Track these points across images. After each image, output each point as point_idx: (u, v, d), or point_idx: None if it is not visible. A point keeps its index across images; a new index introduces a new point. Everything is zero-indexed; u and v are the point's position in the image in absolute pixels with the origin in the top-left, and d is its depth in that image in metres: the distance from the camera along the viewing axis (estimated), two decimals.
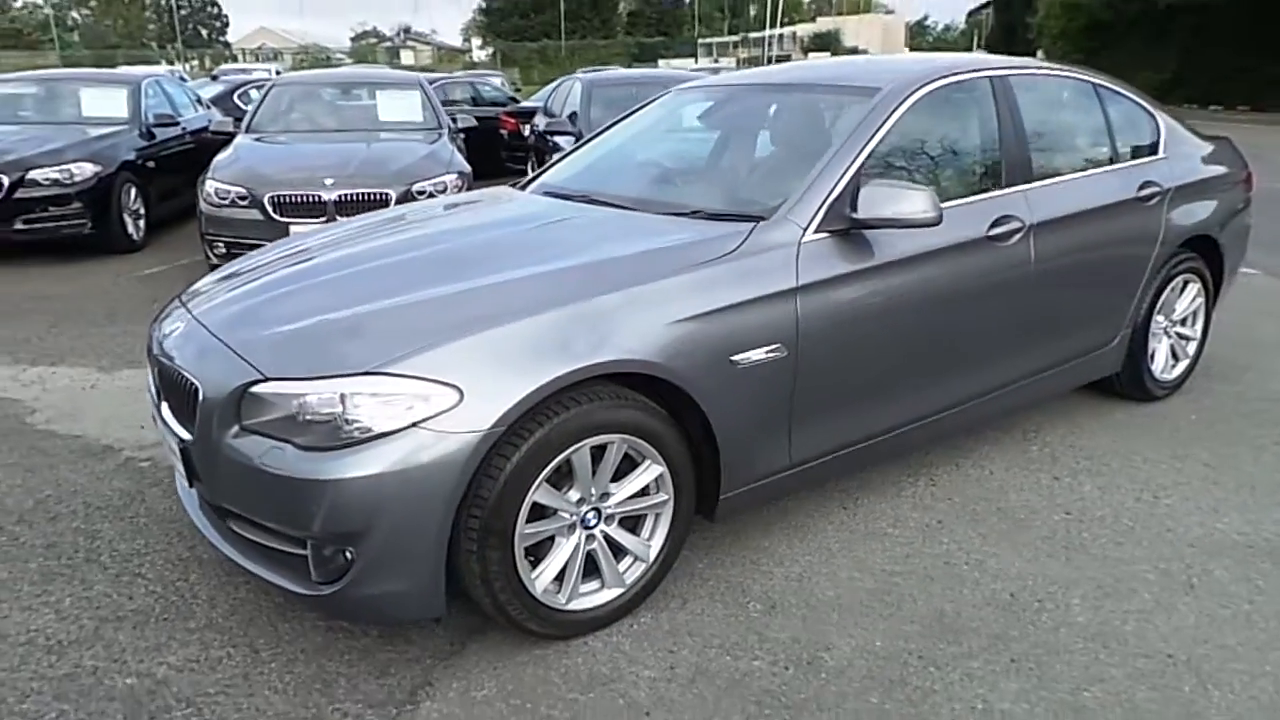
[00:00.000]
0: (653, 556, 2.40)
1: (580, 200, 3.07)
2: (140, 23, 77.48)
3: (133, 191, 7.28)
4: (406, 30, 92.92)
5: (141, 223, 7.43)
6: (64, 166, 6.63)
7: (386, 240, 2.81)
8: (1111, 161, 3.53)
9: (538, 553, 2.24)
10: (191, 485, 2.29)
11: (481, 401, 1.99)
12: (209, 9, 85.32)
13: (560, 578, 2.26)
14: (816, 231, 2.58)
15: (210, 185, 5.71)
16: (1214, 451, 3.41)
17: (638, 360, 2.18)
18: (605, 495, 2.29)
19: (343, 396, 1.96)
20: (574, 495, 2.23)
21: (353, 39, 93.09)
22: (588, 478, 2.21)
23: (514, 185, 3.59)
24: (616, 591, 2.36)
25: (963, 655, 2.25)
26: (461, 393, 1.98)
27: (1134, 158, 3.65)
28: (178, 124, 8.19)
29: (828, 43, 35.82)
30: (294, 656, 2.25)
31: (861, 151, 2.73)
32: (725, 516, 2.59)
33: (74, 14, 76.66)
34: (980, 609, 2.44)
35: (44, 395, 4.06)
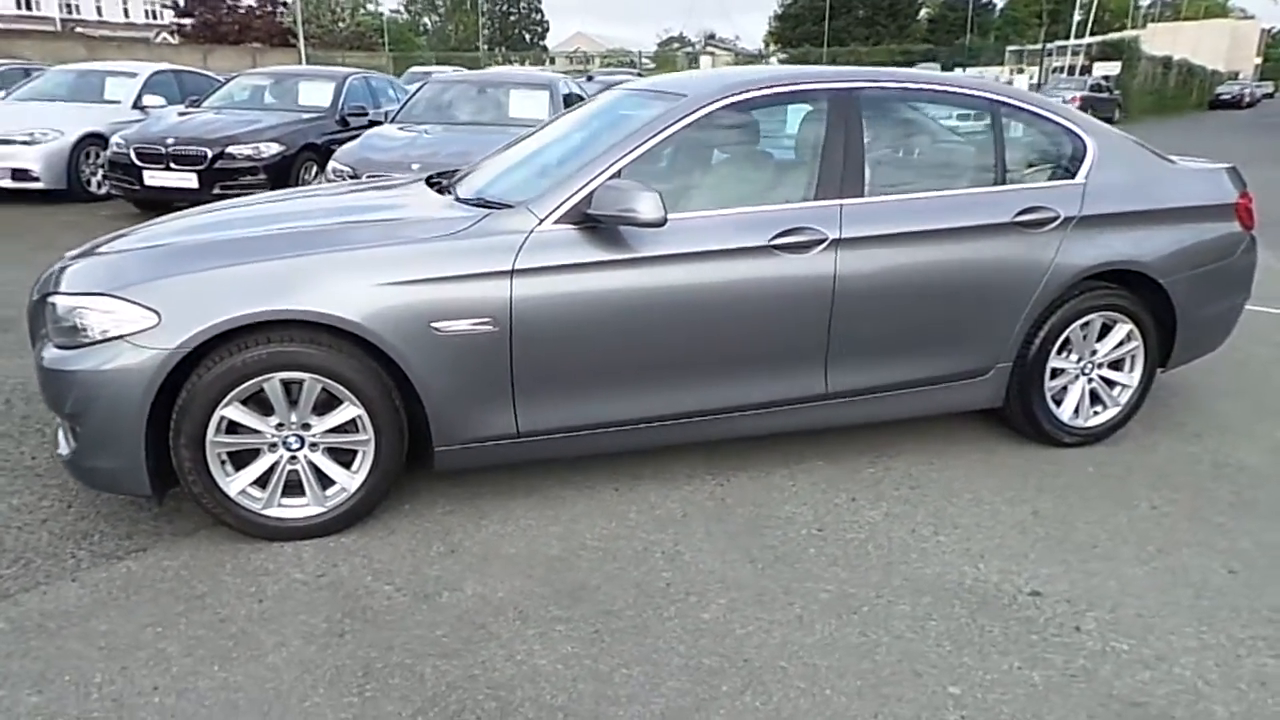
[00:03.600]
0: (355, 487, 2.80)
1: (433, 189, 3.47)
2: (476, 29, 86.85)
3: (314, 168, 8.66)
4: (711, 36, 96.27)
5: None
6: (255, 144, 8.10)
7: (257, 206, 3.42)
8: (996, 183, 3.32)
9: (247, 461, 2.73)
10: None
11: (173, 326, 2.52)
12: (534, 15, 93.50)
13: (266, 487, 2.74)
14: (557, 223, 2.83)
15: (330, 165, 6.78)
16: (1065, 503, 3.13)
17: (321, 312, 2.59)
18: (307, 425, 2.73)
19: (82, 309, 2.58)
20: (274, 420, 2.69)
21: (659, 44, 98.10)
22: (283, 407, 2.67)
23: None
24: (317, 510, 2.79)
25: (558, 619, 2.43)
26: (160, 317, 2.53)
27: (1041, 180, 3.40)
28: (367, 114, 9.54)
29: (1121, 51, 32.18)
30: (88, 515, 2.92)
31: (628, 154, 2.93)
32: (448, 469, 2.92)
33: (425, 20, 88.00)
34: (625, 589, 2.58)
35: None
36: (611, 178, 2.87)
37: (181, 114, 8.93)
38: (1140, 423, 3.81)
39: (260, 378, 2.61)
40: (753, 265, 2.97)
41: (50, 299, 2.69)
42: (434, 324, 2.70)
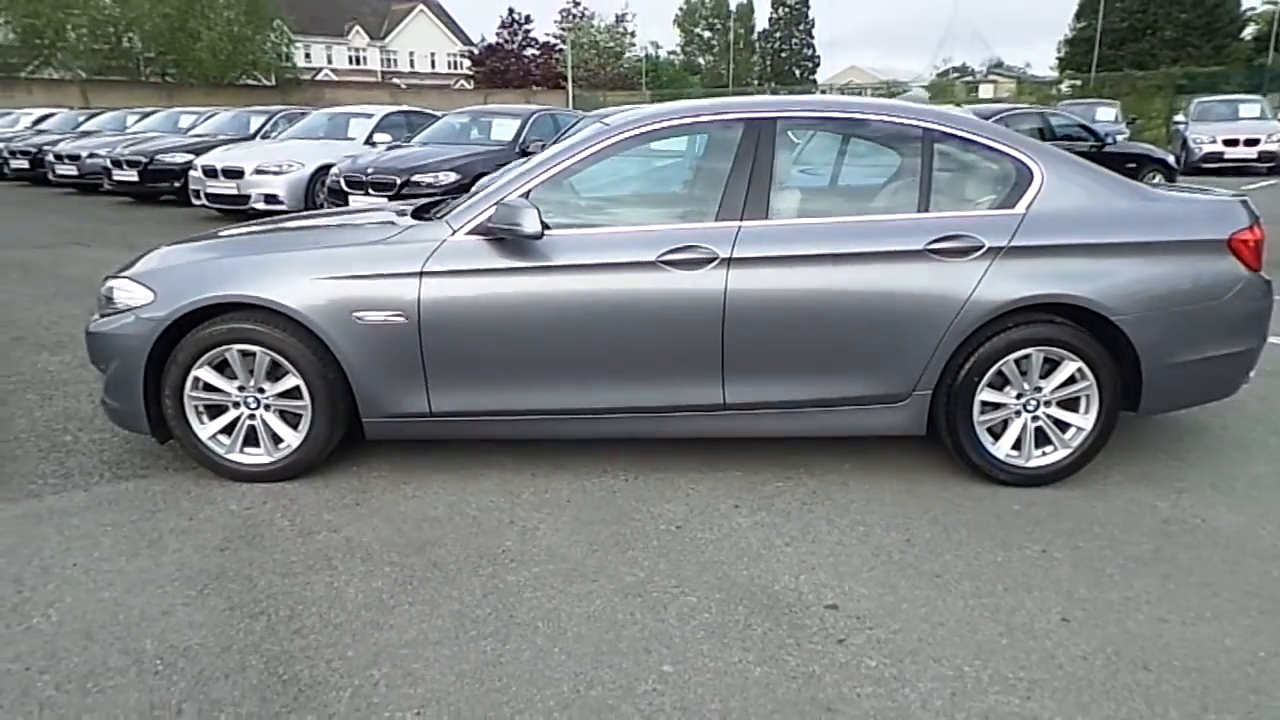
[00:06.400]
0: (295, 444, 3.41)
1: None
2: (749, 65, 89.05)
3: None
4: (998, 65, 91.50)
5: None
6: (435, 174, 9.31)
7: (293, 219, 4.19)
8: (920, 210, 3.31)
9: (219, 414, 3.44)
10: None
11: (164, 303, 3.29)
12: (805, 51, 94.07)
13: (233, 435, 3.43)
14: (469, 234, 3.30)
15: (474, 189, 7.69)
16: (947, 536, 3.06)
17: (264, 298, 3.24)
18: (261, 390, 3.39)
19: (115, 287, 3.43)
20: (237, 383, 3.38)
21: (938, 74, 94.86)
22: (243, 372, 3.35)
23: None
24: (268, 459, 3.43)
25: (390, 563, 2.87)
26: (156, 295, 3.31)
27: (973, 209, 3.34)
28: (543, 145, 10.54)
29: None
30: (131, 449, 3.78)
31: (538, 176, 3.35)
32: (378, 438, 3.47)
33: (700, 59, 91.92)
34: (466, 550, 2.96)
35: None
36: (522, 196, 3.29)
37: (390, 147, 10.43)
38: (1124, 469, 3.57)
39: (222, 348, 3.30)
40: (641, 278, 3.24)
41: (106, 280, 3.58)
42: (356, 314, 3.26)
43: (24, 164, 15.59)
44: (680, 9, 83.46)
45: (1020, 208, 3.29)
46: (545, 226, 3.24)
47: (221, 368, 3.36)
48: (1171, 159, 11.80)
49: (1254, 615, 2.59)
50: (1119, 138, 15.23)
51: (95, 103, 27.95)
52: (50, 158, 14.41)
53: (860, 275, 3.24)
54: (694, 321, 3.25)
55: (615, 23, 50.68)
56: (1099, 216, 3.31)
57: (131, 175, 12.52)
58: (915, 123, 3.40)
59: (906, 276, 3.23)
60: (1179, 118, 18.89)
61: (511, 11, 49.92)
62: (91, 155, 13.58)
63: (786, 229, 3.29)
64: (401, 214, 3.71)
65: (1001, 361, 3.29)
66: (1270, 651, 2.42)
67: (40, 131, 17.55)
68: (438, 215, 3.53)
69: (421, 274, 3.25)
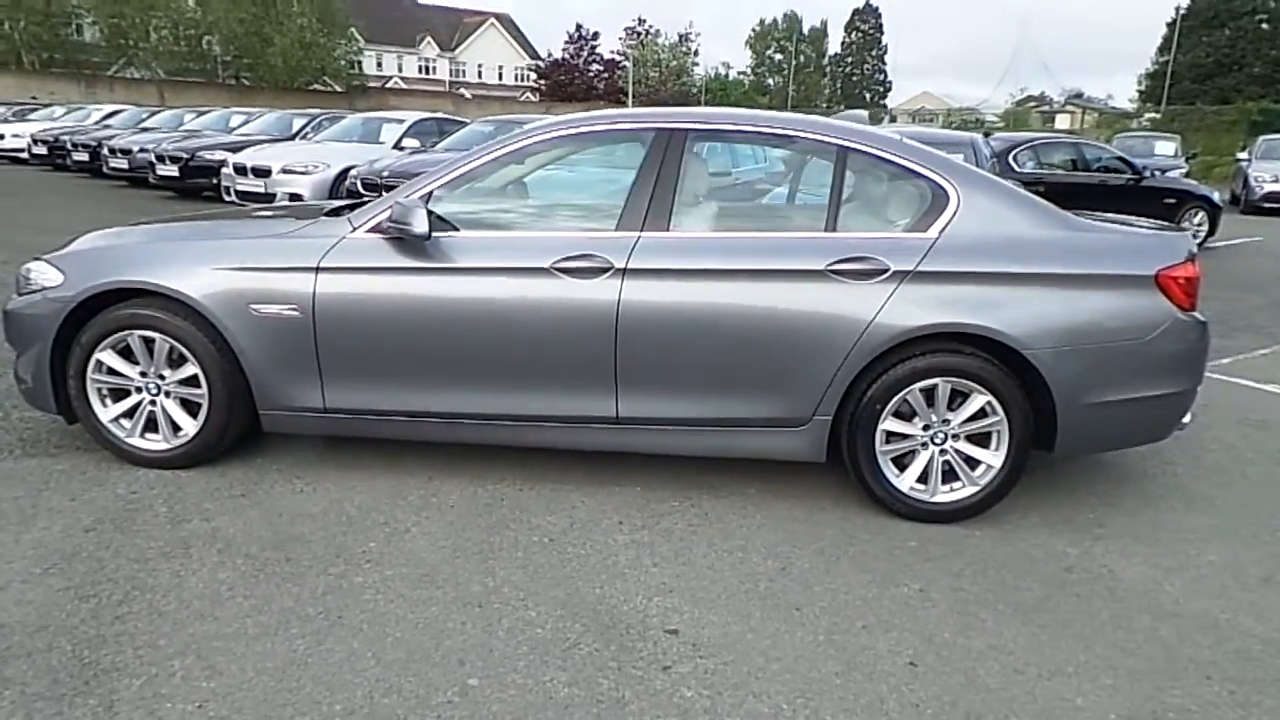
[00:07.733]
0: (193, 433, 3.43)
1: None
2: (819, 88, 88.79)
3: None
4: (1078, 95, 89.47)
5: None
6: None
7: (215, 214, 4.24)
8: (827, 229, 3.18)
9: (123, 398, 3.47)
10: None
11: (70, 285, 3.35)
12: (877, 75, 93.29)
13: (134, 420, 3.47)
14: (368, 232, 3.29)
15: None
16: (827, 569, 2.92)
17: (160, 284, 3.27)
18: (163, 376, 3.42)
19: (30, 268, 3.50)
20: (138, 368, 3.41)
21: (1016, 103, 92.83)
22: (145, 359, 3.38)
23: None
24: (166, 446, 3.45)
25: (247, 556, 2.85)
26: (66, 277, 3.37)
27: (883, 230, 3.21)
28: None
29: None
30: (54, 430, 3.84)
31: (441, 178, 3.32)
32: (276, 430, 3.47)
33: (769, 81, 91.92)
34: (327, 548, 2.92)
35: None
36: (422, 197, 3.27)
37: (413, 152, 10.57)
38: (1045, 512, 3.38)
39: (125, 332, 3.34)
40: (535, 285, 3.18)
41: (28, 261, 3.67)
42: (252, 305, 3.27)
43: (84, 156, 16.25)
44: (753, 30, 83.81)
45: (932, 231, 3.15)
46: (453, 227, 3.25)
47: (126, 353, 3.40)
48: (1216, 196, 11.27)
49: (1120, 675, 2.41)
50: (1177, 173, 14.70)
51: (172, 102, 29.13)
52: (105, 151, 14.98)
53: (758, 293, 3.13)
54: (587, 331, 3.18)
55: (679, 42, 50.97)
56: (1016, 244, 3.14)
57: (173, 170, 12.94)
58: (830, 139, 3.28)
59: (806, 296, 3.11)
60: (1242, 154, 18.16)
61: (579, 27, 50.66)
62: (142, 150, 14.08)
63: (686, 242, 3.20)
64: (314, 210, 3.72)
65: (906, 390, 3.14)
66: (1123, 716, 2.24)
67: (105, 126, 18.30)
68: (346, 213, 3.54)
69: (318, 269, 3.24)
